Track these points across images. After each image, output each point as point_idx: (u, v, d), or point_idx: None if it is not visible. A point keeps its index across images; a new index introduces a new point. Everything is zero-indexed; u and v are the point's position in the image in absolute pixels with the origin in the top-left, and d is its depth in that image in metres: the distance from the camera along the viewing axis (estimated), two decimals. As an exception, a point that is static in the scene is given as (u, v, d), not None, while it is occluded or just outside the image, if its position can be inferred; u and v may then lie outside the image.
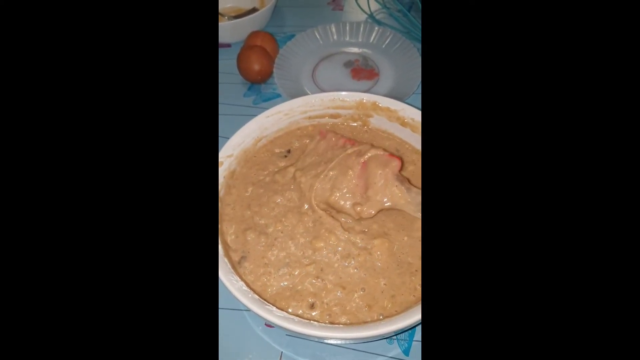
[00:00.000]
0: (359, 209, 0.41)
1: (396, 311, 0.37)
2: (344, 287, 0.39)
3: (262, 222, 0.43)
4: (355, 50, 0.71)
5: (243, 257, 0.41)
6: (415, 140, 0.49)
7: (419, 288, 0.38)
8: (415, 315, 0.33)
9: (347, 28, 0.72)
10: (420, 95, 0.63)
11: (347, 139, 0.45)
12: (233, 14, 0.79)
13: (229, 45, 0.76)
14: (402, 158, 0.44)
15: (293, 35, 0.72)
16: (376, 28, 0.71)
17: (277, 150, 0.50)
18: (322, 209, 0.43)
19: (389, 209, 0.41)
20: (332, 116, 0.51)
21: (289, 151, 0.50)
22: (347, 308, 0.38)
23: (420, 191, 0.41)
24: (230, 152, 0.46)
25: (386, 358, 0.41)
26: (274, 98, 0.66)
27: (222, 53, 0.73)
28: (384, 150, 0.42)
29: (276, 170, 0.47)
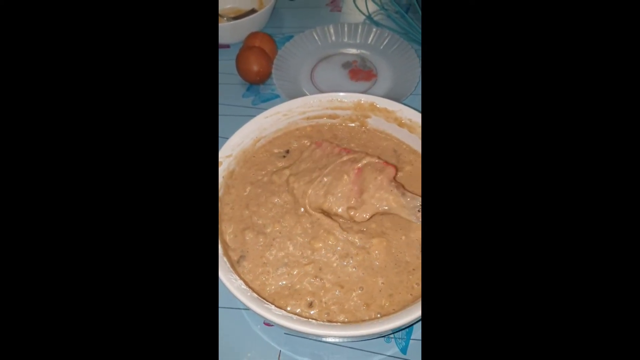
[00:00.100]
0: (353, 212, 0.41)
1: (394, 310, 0.37)
2: (342, 286, 0.39)
3: (261, 222, 0.43)
4: (353, 51, 0.72)
5: (242, 257, 0.41)
6: (412, 140, 0.49)
7: (417, 287, 0.39)
8: (412, 314, 0.33)
9: (346, 29, 0.72)
10: (417, 96, 0.63)
11: (342, 148, 0.46)
12: (232, 15, 0.80)
13: (228, 46, 0.76)
14: (396, 165, 0.45)
15: (291, 36, 0.72)
16: (374, 29, 0.72)
17: (275, 151, 0.50)
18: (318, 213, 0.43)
19: (384, 213, 0.42)
20: (330, 117, 0.52)
21: (287, 151, 0.50)
22: (346, 307, 0.38)
23: (414, 196, 0.42)
24: (229, 152, 0.46)
25: (384, 357, 0.41)
26: (272, 99, 0.66)
27: (221, 54, 0.73)
28: (379, 158, 0.43)
29: (274, 170, 0.48)
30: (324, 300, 0.38)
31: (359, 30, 0.72)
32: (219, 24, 0.70)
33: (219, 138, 0.49)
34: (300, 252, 0.41)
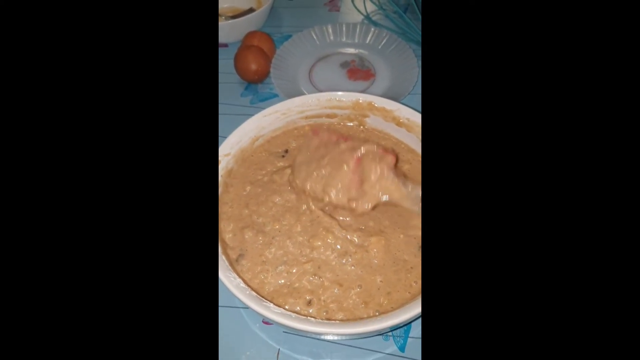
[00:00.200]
0: (354, 204, 0.40)
1: (392, 308, 0.37)
2: (341, 284, 0.39)
3: (260, 220, 0.44)
4: (351, 51, 0.72)
5: (241, 255, 0.41)
6: (410, 139, 0.49)
7: (415, 285, 0.39)
8: (410, 312, 0.33)
9: (344, 29, 0.72)
10: (415, 96, 0.63)
11: (340, 135, 0.44)
12: (230, 14, 0.80)
13: (226, 45, 0.76)
14: (397, 154, 0.43)
15: (290, 36, 0.72)
16: (372, 29, 0.72)
17: (274, 150, 0.50)
18: (319, 208, 0.43)
19: (385, 203, 0.41)
20: (328, 116, 0.52)
21: (286, 151, 0.50)
22: (344, 305, 0.38)
23: (416, 185, 0.40)
24: (228, 151, 0.46)
25: (382, 355, 0.41)
26: (271, 98, 0.66)
27: (219, 53, 0.73)
28: (378, 145, 0.42)
29: (274, 170, 0.48)
30: (322, 298, 0.39)
31: (357, 30, 0.72)
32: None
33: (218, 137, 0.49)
34: (300, 251, 0.41)
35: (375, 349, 0.41)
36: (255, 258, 0.41)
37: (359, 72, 0.68)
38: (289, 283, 0.40)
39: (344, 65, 0.70)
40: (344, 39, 0.73)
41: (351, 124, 0.52)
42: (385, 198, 0.40)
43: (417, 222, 0.43)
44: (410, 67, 0.65)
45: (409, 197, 0.40)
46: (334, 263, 0.40)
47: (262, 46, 0.67)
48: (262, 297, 0.37)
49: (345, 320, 0.37)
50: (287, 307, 0.38)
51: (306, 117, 0.51)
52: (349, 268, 0.40)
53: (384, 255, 0.40)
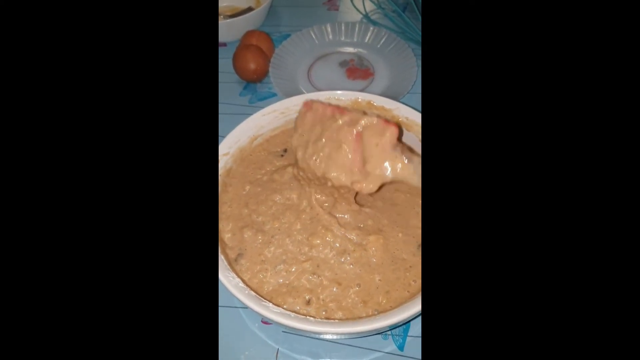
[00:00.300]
0: (358, 186, 0.38)
1: (391, 306, 0.37)
2: (340, 283, 0.39)
3: (260, 219, 0.43)
4: (350, 50, 0.72)
5: (240, 255, 0.41)
6: (409, 138, 0.49)
7: (413, 284, 0.39)
8: (409, 310, 0.33)
9: (343, 28, 0.72)
10: (414, 95, 0.63)
11: (334, 107, 0.41)
12: (229, 13, 0.79)
13: (224, 45, 0.76)
14: (400, 126, 0.39)
15: (289, 35, 0.72)
16: (371, 28, 0.72)
17: (273, 149, 0.50)
18: (324, 193, 0.43)
19: (392, 182, 0.38)
20: (327, 115, 0.52)
21: (285, 150, 0.50)
22: (343, 304, 0.38)
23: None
24: (227, 151, 0.46)
25: (381, 354, 0.41)
26: (269, 97, 0.66)
27: (218, 52, 0.73)
28: (378, 116, 0.38)
29: (274, 169, 0.48)
30: (321, 297, 0.39)
31: (356, 29, 0.72)
32: (216, 23, 0.70)
33: (216, 136, 0.49)
34: (298, 249, 0.41)
35: (374, 348, 0.41)
36: (254, 257, 0.41)
37: (357, 71, 0.68)
38: (287, 282, 0.40)
39: (342, 64, 0.70)
40: (342, 38, 0.73)
41: (350, 123, 0.52)
42: (390, 177, 0.37)
43: (416, 221, 0.43)
44: (409, 66, 0.65)
45: (416, 173, 0.36)
46: (332, 262, 0.40)
47: (260, 45, 0.67)
48: (261, 296, 0.37)
49: (344, 320, 0.37)
50: (286, 306, 0.38)
51: (305, 116, 0.51)
52: (348, 267, 0.40)
53: (382, 254, 0.40)
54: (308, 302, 0.38)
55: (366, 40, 0.72)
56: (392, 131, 0.37)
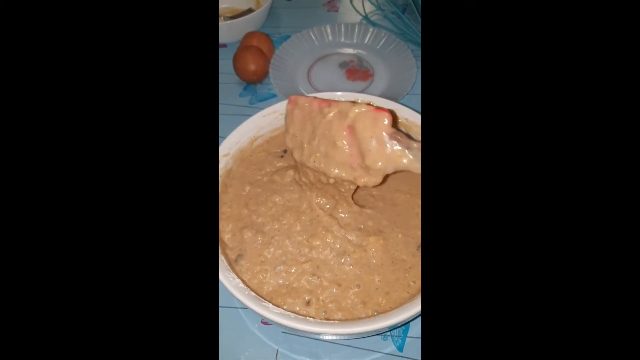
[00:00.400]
0: (362, 180, 0.37)
1: (390, 307, 0.37)
2: (340, 284, 0.39)
3: (260, 220, 0.44)
4: (350, 51, 0.72)
5: (240, 255, 0.41)
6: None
7: (413, 285, 0.39)
8: (409, 311, 0.34)
9: (342, 29, 0.73)
10: (413, 96, 0.64)
11: (320, 100, 0.39)
12: (229, 15, 0.80)
13: (225, 46, 0.76)
14: (392, 112, 0.37)
15: (288, 36, 0.72)
16: (371, 29, 0.72)
17: (273, 150, 0.50)
18: (321, 205, 0.43)
19: (395, 172, 0.37)
20: (327, 116, 0.52)
21: (285, 151, 0.50)
22: (343, 305, 0.38)
23: (421, 144, 0.35)
24: (227, 151, 0.46)
25: (381, 354, 0.41)
26: (269, 98, 0.66)
27: (218, 53, 0.73)
28: (368, 104, 0.36)
29: (274, 170, 0.48)
30: (321, 298, 0.39)
31: (356, 30, 0.72)
32: (216, 24, 0.70)
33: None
34: (298, 250, 0.41)
35: (374, 349, 0.41)
36: (254, 258, 0.41)
37: (357, 73, 0.68)
38: (287, 283, 0.40)
39: (342, 65, 0.70)
40: (342, 39, 0.73)
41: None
42: (391, 168, 0.36)
43: (416, 221, 0.43)
44: (408, 67, 0.65)
45: (417, 160, 0.35)
46: (332, 263, 0.40)
47: (261, 46, 0.67)
48: (261, 297, 0.37)
49: (343, 320, 0.37)
50: (285, 307, 0.38)
51: (305, 118, 0.51)
52: (348, 268, 0.40)
53: (382, 255, 0.41)
54: (308, 303, 0.38)
55: (366, 42, 0.72)
56: (384, 117, 0.35)
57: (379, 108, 0.36)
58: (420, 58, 0.65)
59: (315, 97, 0.40)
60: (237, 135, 0.47)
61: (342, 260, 0.40)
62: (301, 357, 0.41)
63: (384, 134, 0.35)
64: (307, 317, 0.35)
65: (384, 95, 0.51)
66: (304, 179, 0.43)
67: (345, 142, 0.36)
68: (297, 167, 0.43)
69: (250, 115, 0.49)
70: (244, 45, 0.67)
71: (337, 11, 0.84)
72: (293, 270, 0.40)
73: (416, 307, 0.34)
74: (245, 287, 0.36)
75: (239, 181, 0.47)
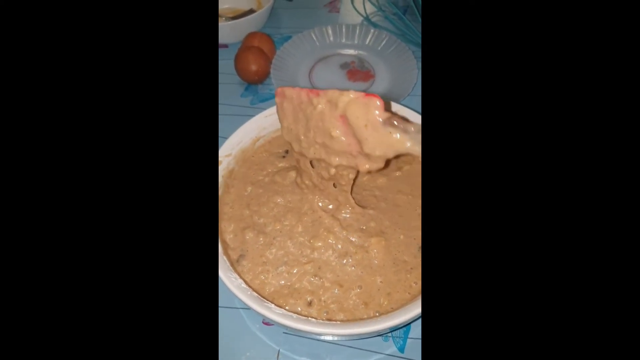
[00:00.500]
0: (364, 167, 0.37)
1: (392, 308, 0.37)
2: (341, 285, 0.39)
3: (261, 221, 0.44)
4: (351, 52, 0.72)
5: (241, 256, 0.41)
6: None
7: (414, 286, 0.39)
8: (410, 312, 0.34)
9: (344, 30, 0.73)
10: (414, 97, 0.64)
11: (308, 91, 0.38)
12: (230, 15, 0.80)
13: (226, 46, 0.76)
14: (384, 99, 0.36)
15: (290, 37, 0.72)
16: (372, 30, 0.72)
17: (275, 151, 0.50)
18: (323, 206, 0.43)
19: (395, 157, 0.36)
20: (329, 117, 0.52)
21: (287, 151, 0.50)
22: (344, 305, 0.38)
23: (418, 127, 0.34)
24: (229, 152, 0.46)
25: (382, 355, 0.41)
26: (271, 98, 0.66)
27: (219, 54, 0.73)
28: (355, 92, 0.35)
29: (275, 170, 0.48)
30: (323, 299, 0.39)
31: (357, 31, 0.72)
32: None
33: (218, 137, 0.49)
34: (300, 251, 0.41)
35: (375, 350, 0.42)
36: (256, 259, 0.41)
37: (358, 73, 0.68)
38: (289, 284, 0.40)
39: (343, 66, 0.70)
40: (343, 40, 0.73)
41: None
42: (391, 153, 0.35)
43: (418, 223, 0.43)
44: (409, 68, 0.66)
45: (416, 143, 0.34)
46: (334, 264, 0.40)
47: (262, 47, 0.67)
48: (263, 297, 0.37)
49: (345, 321, 0.37)
50: (287, 307, 0.38)
51: (306, 118, 0.51)
52: (350, 269, 0.40)
53: (384, 256, 0.41)
54: (309, 304, 0.38)
55: (367, 43, 0.72)
56: (375, 103, 0.34)
57: (369, 95, 0.34)
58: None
59: (302, 89, 0.38)
60: (240, 135, 0.47)
61: (344, 261, 0.40)
62: (302, 357, 0.41)
63: (379, 120, 0.34)
64: (309, 318, 0.35)
65: (384, 96, 0.51)
66: (306, 182, 0.43)
67: (340, 132, 0.36)
68: (299, 168, 0.44)
69: (251, 116, 0.49)
70: (245, 46, 0.67)
71: (338, 12, 0.84)
72: (295, 271, 0.40)
73: (417, 309, 0.34)
74: (248, 287, 0.37)
75: (240, 182, 0.47)
